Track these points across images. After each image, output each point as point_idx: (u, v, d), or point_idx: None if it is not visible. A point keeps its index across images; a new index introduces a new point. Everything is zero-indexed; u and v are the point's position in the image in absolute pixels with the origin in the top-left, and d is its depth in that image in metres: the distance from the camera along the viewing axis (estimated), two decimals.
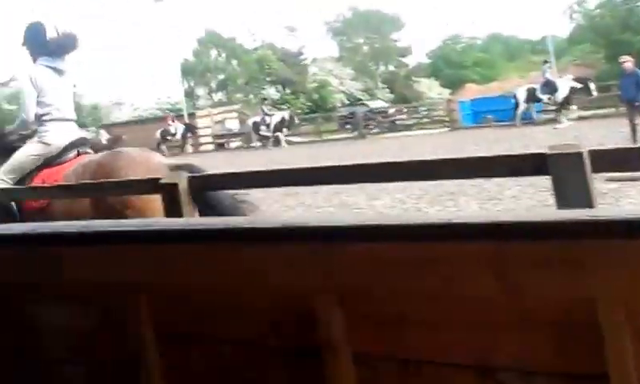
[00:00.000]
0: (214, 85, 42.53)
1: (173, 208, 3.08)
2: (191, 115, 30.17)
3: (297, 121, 26.29)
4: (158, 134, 26.47)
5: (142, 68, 61.80)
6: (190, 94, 38.88)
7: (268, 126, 24.52)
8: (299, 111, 32.39)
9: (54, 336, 1.40)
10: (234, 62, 41.74)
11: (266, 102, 28.28)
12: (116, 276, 1.25)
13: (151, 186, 3.27)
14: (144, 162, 3.82)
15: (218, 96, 42.00)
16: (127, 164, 3.79)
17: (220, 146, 27.72)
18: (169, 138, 26.74)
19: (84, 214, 3.64)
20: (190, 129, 27.28)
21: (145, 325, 1.22)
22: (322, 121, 30.06)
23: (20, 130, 4.34)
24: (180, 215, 3.06)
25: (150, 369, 1.22)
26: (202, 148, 27.49)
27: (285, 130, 24.58)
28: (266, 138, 24.40)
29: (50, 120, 4.21)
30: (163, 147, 25.60)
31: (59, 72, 4.28)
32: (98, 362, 1.33)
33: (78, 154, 4.24)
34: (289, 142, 24.58)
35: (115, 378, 1.31)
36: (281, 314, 1.03)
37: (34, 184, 4.08)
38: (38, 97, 4.18)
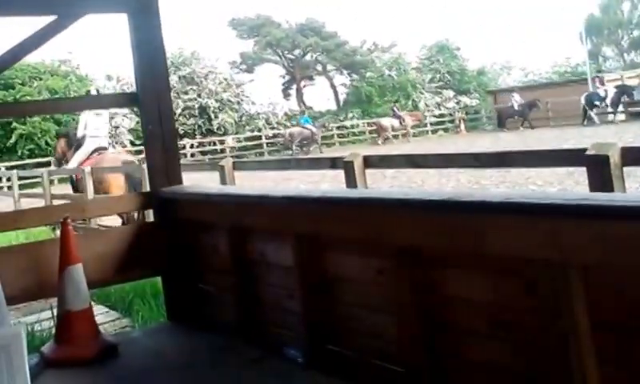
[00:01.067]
0: (625, 43, 37.67)
1: (602, 182, 2.95)
2: (596, 80, 27.12)
3: None
4: (582, 100, 24.43)
5: (535, 28, 59.44)
6: (594, 55, 35.26)
7: None
8: None
9: (468, 308, 1.49)
10: None
11: None
12: (544, 251, 1.22)
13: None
14: (113, 159, 9.65)
15: (631, 56, 37.05)
16: (104, 160, 9.57)
17: (634, 116, 24.08)
18: (597, 103, 24.26)
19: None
20: (625, 91, 24.13)
21: (577, 308, 1.17)
22: None
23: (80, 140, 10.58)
24: (611, 189, 2.90)
25: (583, 357, 1.18)
26: (611, 117, 24.37)
27: None
28: None
29: (87, 137, 10.32)
30: (589, 114, 23.26)
31: (98, 114, 10.34)
32: (521, 336, 1.36)
33: (98, 154, 10.03)
34: None
35: (541, 356, 1.28)
36: None
37: (83, 168, 9.34)
38: (85, 125, 10.48)
